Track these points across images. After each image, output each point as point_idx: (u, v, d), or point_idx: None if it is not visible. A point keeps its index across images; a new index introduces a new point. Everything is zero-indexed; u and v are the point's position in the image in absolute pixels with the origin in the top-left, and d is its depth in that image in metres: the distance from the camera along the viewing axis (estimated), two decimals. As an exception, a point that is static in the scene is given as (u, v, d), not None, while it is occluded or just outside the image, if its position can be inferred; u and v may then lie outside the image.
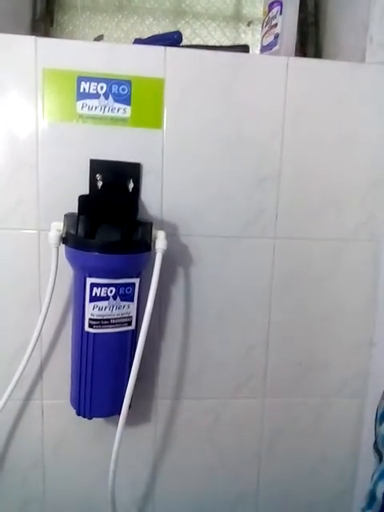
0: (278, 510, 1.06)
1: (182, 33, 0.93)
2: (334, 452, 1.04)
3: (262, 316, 0.96)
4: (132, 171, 0.88)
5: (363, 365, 1.01)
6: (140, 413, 0.97)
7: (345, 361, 1.01)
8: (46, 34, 1.10)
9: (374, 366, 1.00)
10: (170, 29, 1.10)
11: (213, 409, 0.99)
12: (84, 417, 0.85)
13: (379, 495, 0.46)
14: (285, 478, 1.04)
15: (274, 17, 0.94)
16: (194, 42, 1.11)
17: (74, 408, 0.86)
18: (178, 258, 0.92)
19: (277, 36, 0.93)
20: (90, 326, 0.79)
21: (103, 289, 0.78)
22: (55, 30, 1.12)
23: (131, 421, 0.96)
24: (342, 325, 0.99)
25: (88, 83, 0.85)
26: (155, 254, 0.81)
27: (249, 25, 1.14)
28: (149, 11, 1.11)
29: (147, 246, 0.80)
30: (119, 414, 0.83)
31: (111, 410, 0.85)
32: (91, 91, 0.86)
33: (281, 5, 0.93)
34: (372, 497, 0.50)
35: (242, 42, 1.13)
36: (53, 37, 1.11)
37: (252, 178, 0.91)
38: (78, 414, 0.85)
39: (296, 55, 1.11)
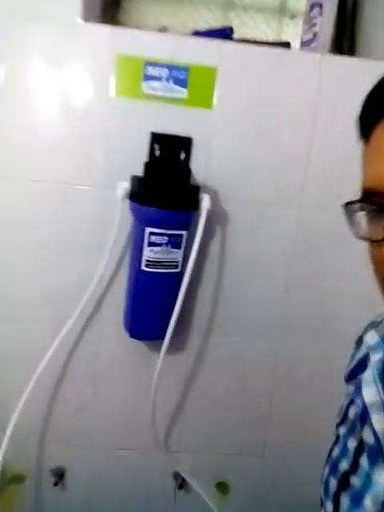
0: (285, 433, 1.28)
1: (232, 23, 1.09)
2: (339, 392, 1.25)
3: (284, 270, 1.16)
4: (184, 144, 1.06)
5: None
6: (177, 344, 1.19)
7: (356, 313, 1.19)
8: (114, 19, 1.27)
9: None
10: (222, 19, 1.26)
11: (237, 345, 1.21)
12: (135, 338, 1.08)
13: (351, 416, 0.60)
14: (293, 407, 1.26)
15: (315, 17, 1.09)
16: (241, 32, 1.26)
17: (128, 332, 1.08)
18: (217, 218, 1.11)
19: (315, 34, 1.09)
20: (146, 265, 1.00)
21: (158, 237, 0.98)
22: (121, 16, 1.29)
23: (169, 349, 1.17)
24: (356, 281, 1.15)
25: (153, 68, 1.04)
26: (200, 212, 1.01)
27: (292, 18, 1.29)
28: (203, 2, 1.27)
29: (195, 205, 1.00)
30: (162, 338, 1.06)
31: (157, 334, 1.07)
32: (155, 74, 1.04)
33: (321, 7, 1.08)
34: (345, 415, 0.63)
35: (284, 34, 1.28)
36: (119, 22, 1.28)
37: (284, 155, 1.09)
38: (131, 336, 1.08)
39: (331, 50, 1.26)
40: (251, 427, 1.27)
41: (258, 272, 1.16)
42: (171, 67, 1.04)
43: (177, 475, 1.29)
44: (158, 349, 1.10)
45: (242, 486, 1.32)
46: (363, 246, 1.15)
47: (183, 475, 1.29)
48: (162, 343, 1.07)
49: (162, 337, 1.05)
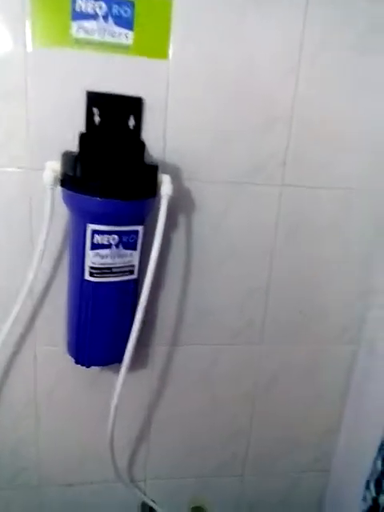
0: (268, 447, 1.11)
1: None
2: (325, 395, 1.08)
3: (263, 263, 0.95)
4: (133, 106, 0.80)
5: (360, 313, 1.02)
6: (137, 359, 0.96)
7: (343, 308, 1.02)
8: None
9: (370, 313, 1.02)
10: None
11: (210, 354, 1.00)
12: (82, 365, 0.84)
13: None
14: (277, 418, 1.09)
15: None
16: None
17: (72, 357, 0.84)
18: (179, 203, 0.87)
19: None
20: (91, 274, 0.75)
21: (105, 236, 0.73)
22: None
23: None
24: (343, 274, 0.99)
25: (85, 2, 0.75)
26: (160, 199, 0.76)
27: None
28: None
29: (152, 191, 0.75)
30: (118, 362, 0.82)
31: (110, 358, 0.84)
32: (89, 11, 0.75)
33: None
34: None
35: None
36: None
37: (262, 119, 0.85)
38: (77, 362, 0.84)
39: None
40: (228, 445, 1.09)
41: (232, 267, 0.94)
42: (110, 0, 0.75)
43: (144, 506, 1.10)
44: (114, 368, 0.87)
45: (221, 509, 1.15)
46: (357, 231, 0.96)
47: (152, 505, 1.10)
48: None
49: (118, 360, 0.82)
